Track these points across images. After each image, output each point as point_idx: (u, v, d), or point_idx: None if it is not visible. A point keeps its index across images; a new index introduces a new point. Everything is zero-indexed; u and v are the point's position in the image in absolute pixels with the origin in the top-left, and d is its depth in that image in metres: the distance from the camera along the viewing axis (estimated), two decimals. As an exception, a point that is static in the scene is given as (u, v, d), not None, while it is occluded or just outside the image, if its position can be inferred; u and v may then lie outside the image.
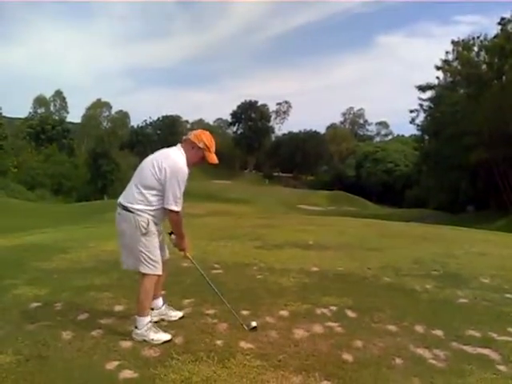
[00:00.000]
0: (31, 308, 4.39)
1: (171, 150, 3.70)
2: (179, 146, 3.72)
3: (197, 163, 3.75)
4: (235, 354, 3.31)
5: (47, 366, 3.14)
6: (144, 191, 3.56)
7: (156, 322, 3.84)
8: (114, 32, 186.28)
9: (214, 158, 3.74)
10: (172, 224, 3.74)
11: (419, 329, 3.94)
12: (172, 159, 3.56)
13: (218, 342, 3.54)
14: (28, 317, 4.10)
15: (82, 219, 25.43)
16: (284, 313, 4.28)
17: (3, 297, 4.75)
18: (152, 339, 3.53)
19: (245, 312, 4.19)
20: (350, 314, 4.31)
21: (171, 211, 3.58)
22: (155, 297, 3.94)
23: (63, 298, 4.71)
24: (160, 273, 3.69)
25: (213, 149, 3.73)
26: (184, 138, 3.75)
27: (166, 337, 3.58)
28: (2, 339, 3.57)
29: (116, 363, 3.18)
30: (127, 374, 3.03)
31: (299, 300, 4.64)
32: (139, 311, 3.63)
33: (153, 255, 3.61)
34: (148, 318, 3.63)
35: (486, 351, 3.52)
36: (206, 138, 3.69)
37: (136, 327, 3.60)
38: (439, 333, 3.86)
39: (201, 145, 3.65)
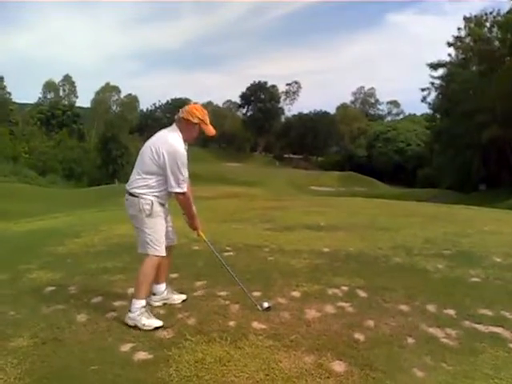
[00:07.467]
0: (46, 292, 4.45)
1: (168, 132, 3.66)
2: (174, 126, 3.67)
3: (196, 137, 3.75)
4: (248, 335, 3.34)
5: (63, 348, 3.19)
6: (145, 177, 3.58)
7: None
8: (122, 15, 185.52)
9: (210, 130, 3.69)
10: (180, 205, 3.76)
11: (431, 308, 3.94)
12: (169, 144, 3.52)
13: (231, 323, 3.57)
14: (43, 301, 4.16)
15: (93, 204, 25.60)
16: (296, 293, 4.30)
17: (18, 281, 4.83)
18: (143, 324, 3.48)
19: (256, 293, 4.20)
20: (362, 293, 4.31)
21: (177, 193, 3.60)
22: (159, 282, 3.94)
23: (77, 281, 4.77)
24: (163, 254, 3.66)
25: (207, 120, 3.67)
26: (176, 116, 3.68)
27: (158, 323, 3.51)
28: (18, 323, 3.64)
29: (130, 345, 3.22)
30: (141, 355, 3.07)
31: (311, 281, 4.65)
32: (135, 293, 3.63)
33: (158, 235, 3.62)
34: (143, 302, 3.59)
35: (498, 330, 3.51)
36: (199, 112, 3.63)
37: (130, 310, 3.57)
38: (451, 312, 3.85)
39: (195, 120, 3.60)
